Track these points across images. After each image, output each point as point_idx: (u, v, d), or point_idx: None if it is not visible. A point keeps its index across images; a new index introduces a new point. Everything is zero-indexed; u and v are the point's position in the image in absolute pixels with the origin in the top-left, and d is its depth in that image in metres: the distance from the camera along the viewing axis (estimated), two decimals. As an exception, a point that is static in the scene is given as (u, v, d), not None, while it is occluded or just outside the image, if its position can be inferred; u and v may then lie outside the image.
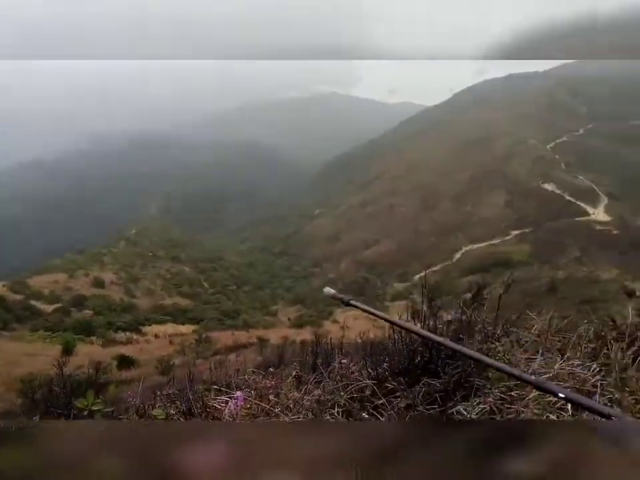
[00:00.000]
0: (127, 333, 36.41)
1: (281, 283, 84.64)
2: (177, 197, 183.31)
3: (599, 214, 70.96)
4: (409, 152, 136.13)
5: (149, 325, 41.26)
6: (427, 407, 1.73)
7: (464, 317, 1.91)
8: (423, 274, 69.73)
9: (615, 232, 62.71)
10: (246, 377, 3.28)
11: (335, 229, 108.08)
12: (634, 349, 1.63)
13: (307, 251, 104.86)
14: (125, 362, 22.44)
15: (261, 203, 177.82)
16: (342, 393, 2.09)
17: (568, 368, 1.53)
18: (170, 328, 40.30)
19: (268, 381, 3.01)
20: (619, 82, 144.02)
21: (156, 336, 35.73)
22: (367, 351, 2.95)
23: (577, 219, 69.53)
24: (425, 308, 1.99)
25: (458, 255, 71.86)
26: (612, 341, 1.73)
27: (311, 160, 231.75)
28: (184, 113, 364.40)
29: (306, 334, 28.28)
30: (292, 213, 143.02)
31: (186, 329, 40.49)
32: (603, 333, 1.82)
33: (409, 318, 2.03)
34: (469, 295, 2.12)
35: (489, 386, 1.56)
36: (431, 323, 2.04)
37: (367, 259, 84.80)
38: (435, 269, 70.85)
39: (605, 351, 1.66)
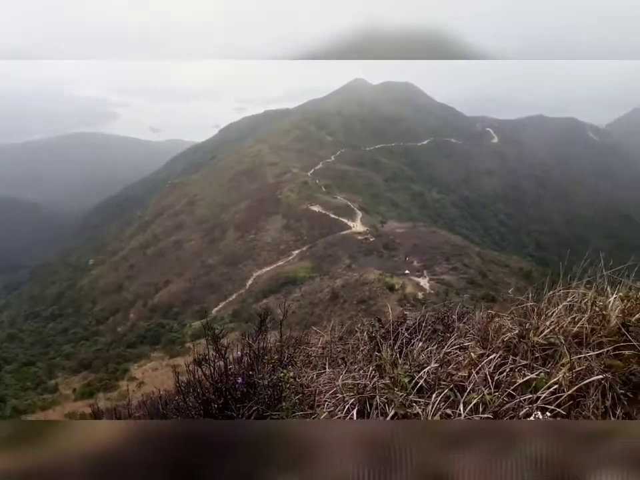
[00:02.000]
0: None
1: (57, 350, 71.39)
2: None
3: (357, 226, 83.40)
4: (187, 186, 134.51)
5: None
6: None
7: (252, 351, 1.84)
8: (219, 306, 69.34)
9: (371, 239, 74.60)
10: None
11: (117, 278, 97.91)
12: (399, 343, 1.84)
13: (86, 307, 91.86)
14: None
15: (17, 263, 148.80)
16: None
17: (350, 380, 1.60)
18: None
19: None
20: (349, 114, 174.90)
21: None
22: (159, 411, 2.63)
23: (342, 232, 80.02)
24: (212, 352, 1.84)
25: (250, 282, 73.83)
26: (381, 340, 1.92)
27: (75, 207, 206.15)
28: None
29: (100, 401, 24.53)
30: (60, 268, 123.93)
31: None
32: (373, 334, 2.01)
33: (195, 365, 1.86)
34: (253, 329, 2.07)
35: (284, 417, 1.52)
36: (221, 364, 1.91)
37: (159, 302, 79.43)
38: (230, 299, 71.18)
39: (377, 352, 1.82)
